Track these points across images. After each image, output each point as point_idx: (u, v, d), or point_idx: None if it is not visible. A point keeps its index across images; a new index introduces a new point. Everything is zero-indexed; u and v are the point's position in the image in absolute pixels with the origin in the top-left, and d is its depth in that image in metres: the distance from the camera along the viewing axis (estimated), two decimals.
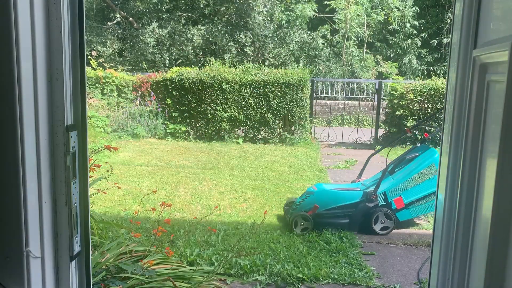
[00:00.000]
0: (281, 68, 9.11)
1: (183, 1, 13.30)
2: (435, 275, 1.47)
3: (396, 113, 7.44)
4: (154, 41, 12.54)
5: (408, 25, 13.71)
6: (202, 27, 12.75)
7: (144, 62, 12.41)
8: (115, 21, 13.20)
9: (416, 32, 13.96)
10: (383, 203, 3.31)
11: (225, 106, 7.79)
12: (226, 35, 12.67)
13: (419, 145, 3.60)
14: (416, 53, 14.17)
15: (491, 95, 1.15)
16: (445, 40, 13.45)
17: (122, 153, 6.43)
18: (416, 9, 13.56)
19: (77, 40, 1.01)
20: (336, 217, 2.86)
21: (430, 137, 3.67)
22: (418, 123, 4.31)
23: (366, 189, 3.35)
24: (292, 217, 3.25)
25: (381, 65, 14.15)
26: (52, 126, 0.99)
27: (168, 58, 12.70)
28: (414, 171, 3.34)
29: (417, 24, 13.87)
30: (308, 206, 3.31)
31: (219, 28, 12.75)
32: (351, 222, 3.16)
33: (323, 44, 13.81)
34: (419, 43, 13.98)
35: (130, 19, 13.34)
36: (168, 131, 7.93)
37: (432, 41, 13.86)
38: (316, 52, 13.63)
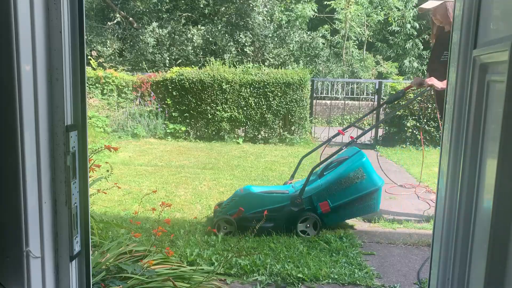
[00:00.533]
0: (281, 68, 9.11)
1: (183, 1, 13.30)
2: (435, 275, 1.47)
3: (396, 113, 7.44)
4: (154, 41, 12.54)
5: (408, 25, 13.71)
6: (202, 27, 12.75)
7: (144, 62, 12.41)
8: (115, 21, 13.19)
9: (416, 33, 13.96)
10: (309, 207, 3.24)
11: (225, 106, 7.79)
12: (226, 35, 12.67)
13: (344, 148, 3.51)
14: (417, 54, 14.17)
15: (491, 95, 1.15)
16: None
17: (122, 153, 6.43)
18: (417, 10, 13.55)
19: (77, 40, 1.01)
20: (261, 221, 2.80)
21: (354, 138, 3.55)
22: (351, 123, 4.22)
23: (293, 193, 3.28)
24: (215, 220, 3.19)
25: (381, 65, 14.15)
26: (52, 126, 0.99)
27: (168, 58, 12.69)
28: (341, 175, 3.26)
29: (417, 25, 13.87)
30: (234, 209, 3.22)
31: (219, 28, 12.75)
32: (276, 225, 3.08)
33: (323, 44, 13.81)
34: (420, 44, 13.99)
35: (130, 19, 13.33)
36: (168, 131, 7.93)
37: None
38: (316, 52, 13.63)
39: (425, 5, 3.28)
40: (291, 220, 3.17)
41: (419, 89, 3.38)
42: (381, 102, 7.95)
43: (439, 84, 3.26)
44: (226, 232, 3.19)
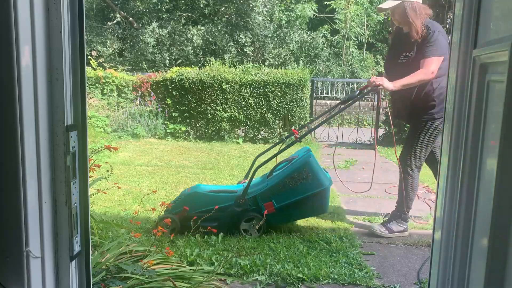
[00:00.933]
0: (281, 68, 9.12)
1: (183, 1, 13.31)
2: (435, 275, 1.47)
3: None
4: (154, 41, 12.55)
5: None
6: (202, 27, 12.76)
7: (144, 62, 12.41)
8: (115, 21, 13.20)
9: None
10: (254, 207, 3.17)
11: (225, 106, 7.79)
12: (226, 35, 12.68)
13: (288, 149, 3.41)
14: None
15: (491, 95, 1.15)
16: None
17: (122, 153, 6.43)
18: None
19: (77, 40, 1.01)
20: (205, 220, 2.75)
21: (299, 137, 3.42)
22: (305, 124, 4.10)
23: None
24: (158, 219, 3.14)
25: (381, 65, 14.14)
26: (52, 126, 0.99)
27: (168, 58, 12.70)
28: (286, 175, 3.18)
29: None
30: (179, 208, 3.16)
31: (219, 28, 12.75)
32: (219, 225, 3.01)
33: (323, 44, 13.81)
34: None
35: (130, 19, 13.34)
36: (168, 131, 7.93)
37: None
38: (316, 52, 13.63)
39: (383, 5, 3.19)
40: (235, 220, 3.11)
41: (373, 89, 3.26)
42: (379, 104, 7.94)
43: (389, 86, 3.13)
44: (170, 230, 3.10)
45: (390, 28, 3.94)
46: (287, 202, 3.14)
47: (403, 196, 3.29)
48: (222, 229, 3.10)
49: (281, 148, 3.47)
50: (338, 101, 11.01)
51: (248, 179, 3.27)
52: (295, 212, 3.20)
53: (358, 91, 3.45)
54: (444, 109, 1.45)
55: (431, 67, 3.05)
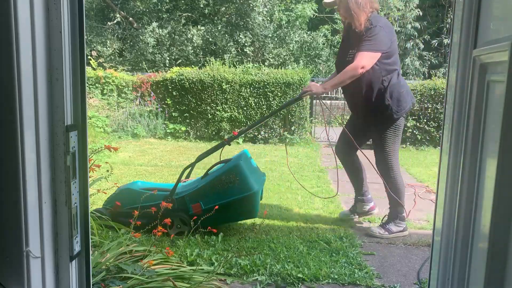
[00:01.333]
0: (281, 68, 9.12)
1: (183, 1, 13.31)
2: (435, 275, 1.47)
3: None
4: (154, 41, 12.54)
5: (409, 26, 13.71)
6: (202, 27, 12.75)
7: (144, 62, 12.42)
8: (115, 21, 13.20)
9: (416, 34, 13.95)
10: (182, 207, 3.15)
11: (225, 106, 7.79)
12: (226, 35, 12.67)
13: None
14: (417, 54, 14.17)
15: (491, 95, 1.15)
16: (445, 41, 13.46)
17: (122, 153, 6.43)
18: (418, 11, 13.55)
19: (77, 40, 1.01)
20: (133, 217, 2.74)
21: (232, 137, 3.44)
22: (248, 126, 4.03)
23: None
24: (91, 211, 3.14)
25: None
26: (52, 126, 0.99)
27: (168, 58, 12.70)
28: (214, 177, 3.14)
29: (418, 25, 13.86)
30: (112, 203, 3.18)
31: (219, 28, 12.75)
32: (147, 223, 2.92)
33: (323, 44, 13.81)
34: (421, 44, 13.98)
35: (130, 19, 13.34)
36: (168, 131, 7.93)
37: (433, 42, 13.86)
38: (316, 52, 13.63)
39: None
40: (162, 218, 3.12)
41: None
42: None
43: (318, 90, 3.12)
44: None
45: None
46: (214, 204, 3.06)
47: (393, 197, 3.28)
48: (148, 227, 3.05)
49: (206, 150, 3.43)
50: (338, 101, 11.00)
51: (177, 180, 3.24)
52: (221, 215, 3.11)
53: (298, 96, 3.38)
54: (444, 109, 1.45)
55: (361, 62, 2.93)
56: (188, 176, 3.48)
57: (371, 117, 3.21)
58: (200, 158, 3.34)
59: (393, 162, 3.25)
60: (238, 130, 3.39)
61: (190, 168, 3.35)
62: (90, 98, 7.96)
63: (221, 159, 3.39)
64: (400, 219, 3.32)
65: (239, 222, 3.55)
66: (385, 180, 3.29)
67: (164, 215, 2.94)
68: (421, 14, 13.69)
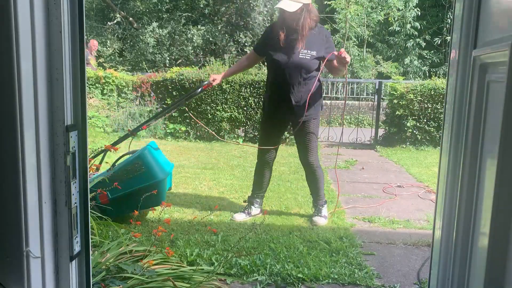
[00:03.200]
0: None
1: (183, 1, 13.30)
2: (435, 275, 1.47)
3: (396, 113, 7.44)
4: (154, 41, 12.54)
5: (408, 25, 13.71)
6: (202, 27, 12.76)
7: (144, 62, 12.42)
8: (115, 21, 13.20)
9: (416, 33, 13.95)
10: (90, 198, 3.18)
11: (225, 106, 7.79)
12: (226, 35, 12.68)
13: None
14: (418, 54, 14.17)
15: (491, 95, 1.15)
16: (447, 38, 13.45)
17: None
18: (417, 10, 13.54)
19: (77, 40, 1.01)
20: None
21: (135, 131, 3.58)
22: (144, 122, 4.20)
23: None
24: None
25: (381, 65, 14.15)
26: (52, 126, 0.99)
27: (168, 58, 12.70)
28: (121, 167, 3.23)
29: (418, 25, 13.87)
30: None
31: (219, 28, 12.75)
32: None
33: None
34: (421, 44, 13.99)
35: (130, 19, 13.34)
36: (168, 131, 7.93)
37: (434, 42, 13.87)
38: None
39: (281, 5, 3.24)
40: None
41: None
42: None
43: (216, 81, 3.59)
44: None
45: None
46: (120, 193, 3.14)
47: (318, 188, 3.63)
48: None
49: (114, 141, 3.49)
50: (338, 101, 10.98)
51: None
52: (129, 203, 3.18)
53: (200, 89, 3.68)
54: (444, 109, 1.45)
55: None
56: (97, 169, 3.51)
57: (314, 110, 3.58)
58: (100, 152, 3.40)
59: (316, 154, 3.65)
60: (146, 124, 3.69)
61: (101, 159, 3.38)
62: (90, 98, 7.96)
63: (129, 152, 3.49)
64: (325, 203, 3.74)
65: (239, 222, 3.55)
66: (314, 169, 3.63)
67: None
68: (419, 13, 13.70)
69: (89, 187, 3.16)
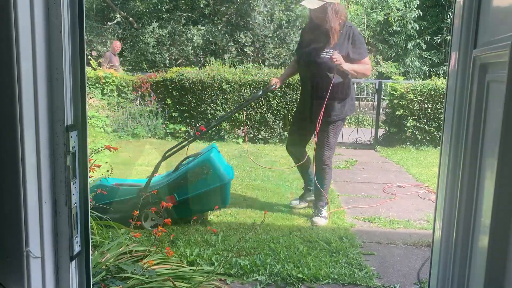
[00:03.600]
0: (281, 68, 9.11)
1: (183, 1, 13.30)
2: (435, 275, 1.47)
3: (396, 113, 7.44)
4: (154, 41, 12.54)
5: (409, 26, 13.71)
6: (202, 27, 12.75)
7: (144, 62, 12.42)
8: (115, 21, 13.20)
9: (416, 34, 13.94)
10: (156, 200, 3.22)
11: (225, 106, 7.79)
12: (226, 35, 12.67)
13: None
14: (418, 54, 14.17)
15: (491, 95, 1.15)
16: (448, 37, 13.45)
17: (122, 153, 6.43)
18: (418, 12, 13.54)
19: (77, 40, 1.01)
20: (108, 212, 2.82)
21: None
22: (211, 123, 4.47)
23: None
24: None
25: (381, 65, 14.14)
26: (52, 126, 0.99)
27: (168, 58, 12.70)
28: (188, 169, 3.32)
29: (417, 26, 13.86)
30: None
31: (219, 28, 12.75)
32: (122, 217, 3.05)
33: None
34: (421, 44, 13.98)
35: (130, 19, 13.34)
36: (168, 131, 7.93)
37: (434, 41, 13.86)
38: None
39: (304, 3, 3.30)
40: (141, 210, 3.16)
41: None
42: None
43: (278, 82, 3.70)
44: None
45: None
46: (188, 195, 3.25)
47: (322, 186, 3.60)
48: (124, 221, 3.06)
49: (183, 144, 3.64)
50: None
51: (151, 173, 3.38)
52: (196, 205, 3.31)
53: (261, 91, 3.98)
54: (444, 109, 1.45)
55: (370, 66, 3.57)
56: (156, 171, 3.56)
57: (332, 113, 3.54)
58: (170, 153, 3.53)
59: (330, 156, 3.64)
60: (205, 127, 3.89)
61: (159, 163, 3.51)
62: (90, 98, 7.95)
63: (189, 154, 3.61)
64: (326, 204, 3.71)
65: (239, 222, 3.56)
66: (323, 168, 3.62)
67: (140, 207, 3.00)
68: (421, 14, 13.69)
69: (153, 190, 3.24)
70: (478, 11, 1.27)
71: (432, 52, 14.25)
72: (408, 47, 13.93)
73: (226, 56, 12.27)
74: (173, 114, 8.00)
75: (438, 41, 13.87)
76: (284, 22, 13.37)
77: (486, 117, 1.16)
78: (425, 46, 14.01)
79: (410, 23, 13.71)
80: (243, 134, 8.00)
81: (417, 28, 13.77)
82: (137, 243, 2.62)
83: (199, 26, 12.82)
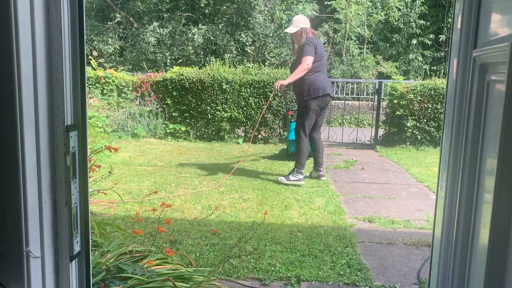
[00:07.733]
0: (281, 68, 9.11)
1: (183, 1, 13.30)
2: (435, 275, 1.47)
3: (396, 113, 7.44)
4: (155, 40, 12.54)
5: (413, 25, 13.71)
6: (203, 27, 12.75)
7: (144, 62, 12.42)
8: (115, 21, 13.20)
9: (417, 34, 13.94)
10: None
11: (225, 106, 7.79)
12: (227, 34, 12.68)
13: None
14: (418, 53, 14.17)
15: (491, 95, 1.15)
16: (445, 40, 13.46)
17: (122, 153, 6.43)
18: (424, 7, 13.53)
19: (77, 40, 1.01)
20: None
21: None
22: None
23: None
24: None
25: (381, 65, 14.14)
26: (52, 126, 0.99)
27: (169, 58, 12.70)
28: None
29: (421, 24, 13.86)
30: None
31: (220, 27, 12.75)
32: None
33: (324, 44, 13.81)
34: (422, 43, 13.98)
35: (131, 19, 13.34)
36: (168, 131, 7.93)
37: (434, 40, 13.86)
38: None
39: (287, 30, 4.80)
40: None
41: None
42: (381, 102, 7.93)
43: (285, 82, 4.74)
44: None
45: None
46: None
47: (298, 156, 4.82)
48: None
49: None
50: (338, 101, 10.98)
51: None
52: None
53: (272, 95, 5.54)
54: (444, 109, 1.45)
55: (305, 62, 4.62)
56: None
57: (299, 99, 4.87)
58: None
59: (301, 130, 4.78)
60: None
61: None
62: (90, 98, 7.95)
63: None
64: (297, 172, 4.78)
65: (239, 222, 3.55)
66: (296, 140, 4.89)
67: None
68: (426, 12, 13.70)
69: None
70: (478, 11, 1.27)
71: (432, 49, 14.25)
72: (412, 43, 13.92)
73: (227, 56, 12.27)
74: (173, 114, 8.00)
75: (444, 39, 13.87)
76: (284, 21, 13.37)
77: (486, 117, 1.16)
78: (428, 43, 14.01)
79: (414, 21, 13.70)
80: (243, 134, 8.00)
81: (421, 26, 13.77)
82: (137, 243, 2.62)
83: (199, 26, 12.82)
